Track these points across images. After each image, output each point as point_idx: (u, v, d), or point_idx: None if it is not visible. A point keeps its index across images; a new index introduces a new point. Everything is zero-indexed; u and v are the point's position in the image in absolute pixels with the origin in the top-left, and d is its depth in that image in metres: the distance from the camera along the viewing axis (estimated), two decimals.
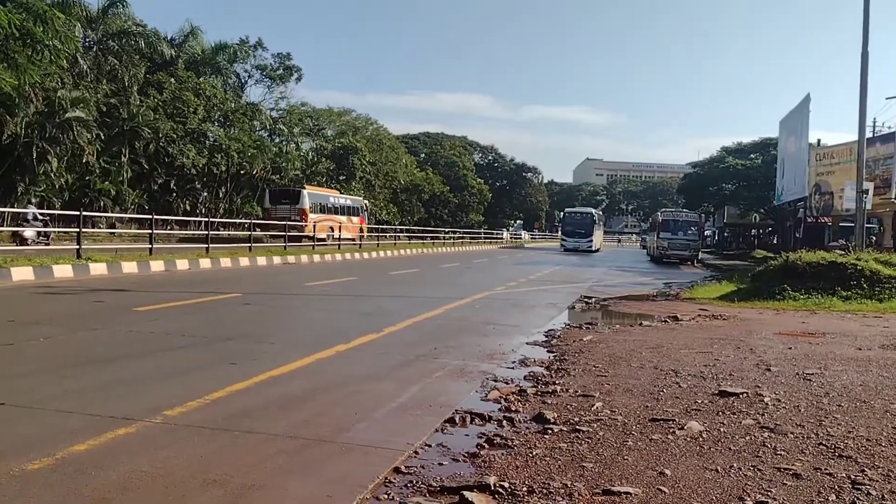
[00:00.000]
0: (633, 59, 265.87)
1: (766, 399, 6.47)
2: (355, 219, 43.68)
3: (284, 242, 29.62)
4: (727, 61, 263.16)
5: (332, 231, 37.77)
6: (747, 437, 5.32)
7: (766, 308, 14.97)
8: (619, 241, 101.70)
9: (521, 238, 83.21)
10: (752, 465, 4.70)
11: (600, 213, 76.37)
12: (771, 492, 4.25)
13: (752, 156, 58.56)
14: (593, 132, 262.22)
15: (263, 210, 39.67)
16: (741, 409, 6.13)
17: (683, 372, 7.68)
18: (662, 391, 6.76)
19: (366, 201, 49.96)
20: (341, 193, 45.68)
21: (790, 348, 9.40)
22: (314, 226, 34.82)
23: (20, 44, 24.09)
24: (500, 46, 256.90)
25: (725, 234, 76.66)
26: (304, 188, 39.60)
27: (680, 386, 7.01)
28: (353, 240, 39.15)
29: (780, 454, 4.95)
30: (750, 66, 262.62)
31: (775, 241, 55.85)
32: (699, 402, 6.39)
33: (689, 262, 40.24)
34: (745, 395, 6.62)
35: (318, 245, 32.60)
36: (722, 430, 5.51)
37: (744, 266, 32.51)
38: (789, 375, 7.60)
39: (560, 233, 58.84)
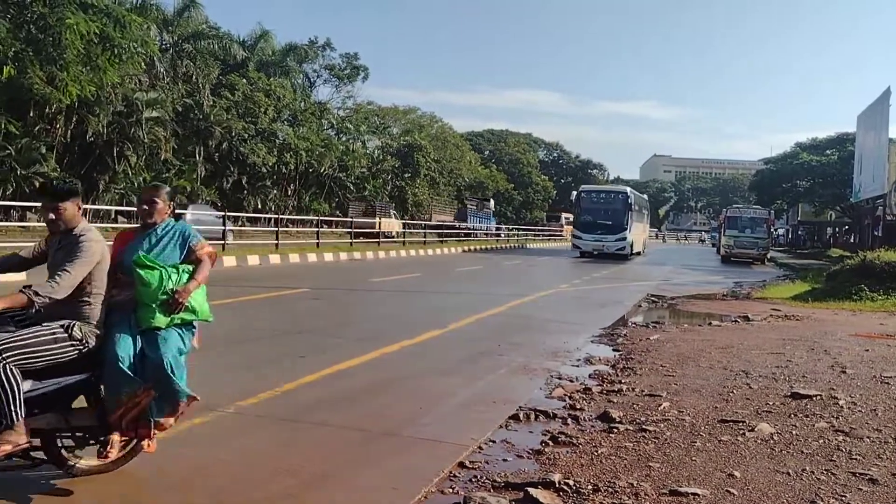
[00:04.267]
0: (705, 54, 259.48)
1: (840, 402, 6.28)
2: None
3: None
4: (803, 55, 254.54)
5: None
6: (821, 441, 5.18)
7: (842, 309, 14.46)
8: (686, 237, 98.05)
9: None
10: (825, 469, 4.58)
11: (642, 196, 48.95)
12: (845, 497, 4.14)
13: (827, 152, 56.45)
14: (661, 128, 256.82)
15: (541, 223, 68.67)
16: (814, 412, 5.97)
17: (754, 373, 7.50)
18: (732, 392, 6.63)
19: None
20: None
21: (867, 350, 9.07)
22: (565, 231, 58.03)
23: (100, 49, 25.09)
24: (569, 42, 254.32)
25: (799, 232, 74.28)
26: (562, 213, 65.44)
27: (750, 387, 6.86)
28: None
29: (856, 458, 4.81)
30: (827, 59, 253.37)
31: (852, 240, 53.78)
32: (770, 403, 6.24)
33: (758, 262, 37.67)
34: (818, 397, 6.43)
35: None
36: (794, 432, 5.38)
37: (818, 265, 31.40)
38: (866, 378, 7.34)
39: (574, 226, 37.79)
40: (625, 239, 34.03)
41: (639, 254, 39.02)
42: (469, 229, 48.49)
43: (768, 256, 39.93)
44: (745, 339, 9.94)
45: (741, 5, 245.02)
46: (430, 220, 45.44)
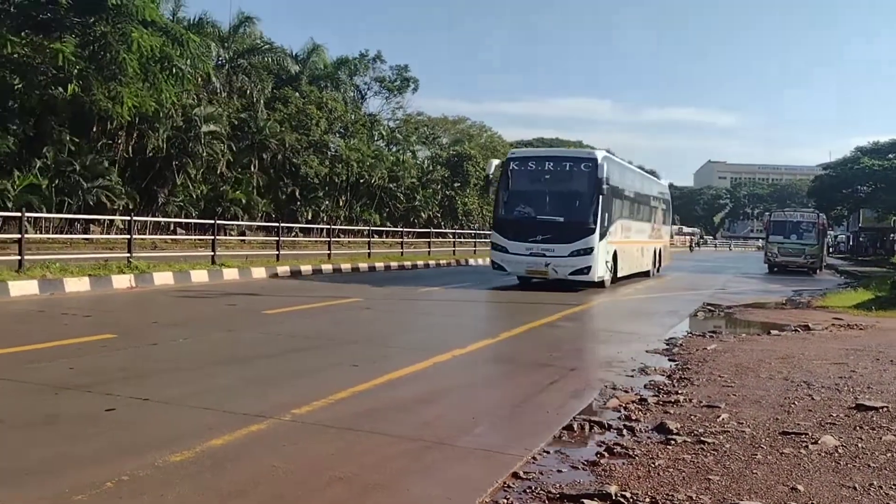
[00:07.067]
0: (761, 58, 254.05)
1: None
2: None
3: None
4: (863, 58, 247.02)
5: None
6: (888, 454, 5.00)
7: None
8: (729, 245, 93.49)
9: None
10: (893, 484, 4.41)
11: (648, 175, 31.35)
12: None
13: (889, 156, 54.61)
14: (716, 134, 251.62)
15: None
16: (881, 424, 5.76)
17: (816, 384, 7.29)
18: (794, 403, 6.45)
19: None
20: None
21: None
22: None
23: (160, 66, 25.83)
24: (623, 50, 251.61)
25: (861, 238, 71.98)
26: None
27: (813, 398, 6.66)
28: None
29: None
30: (888, 62, 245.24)
31: None
32: (834, 415, 6.05)
33: (810, 272, 33.21)
34: (885, 409, 6.20)
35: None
36: (860, 445, 5.20)
37: (882, 273, 30.35)
38: None
39: (494, 226, 19.29)
40: (590, 250, 17.51)
41: (648, 274, 24.28)
42: None
43: (822, 265, 35.70)
44: (807, 348, 9.67)
45: (797, 9, 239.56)
46: None
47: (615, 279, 19.65)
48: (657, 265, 26.29)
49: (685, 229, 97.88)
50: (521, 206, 18.48)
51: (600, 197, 17.64)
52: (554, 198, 18.29)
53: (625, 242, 20.79)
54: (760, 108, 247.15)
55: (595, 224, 17.62)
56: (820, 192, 61.48)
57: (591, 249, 17.54)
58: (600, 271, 17.97)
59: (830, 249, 54.00)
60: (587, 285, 17.92)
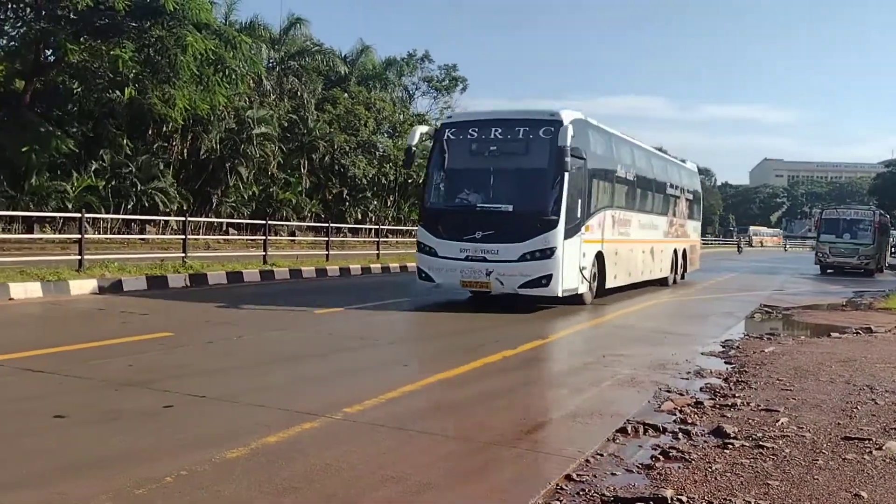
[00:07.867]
0: (821, 53, 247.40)
1: None
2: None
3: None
4: None
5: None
6: None
7: None
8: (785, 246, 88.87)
9: None
10: None
11: (655, 152, 20.62)
12: None
13: None
14: (773, 131, 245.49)
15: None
16: None
17: (880, 388, 7.05)
18: (856, 408, 6.25)
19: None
20: None
21: None
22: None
23: (212, 69, 26.35)
24: (677, 45, 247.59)
25: None
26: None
27: (876, 403, 6.45)
28: None
29: None
30: None
31: None
32: None
33: (865, 274, 30.54)
34: None
35: None
36: None
37: None
38: None
39: (421, 219, 14.44)
40: (550, 252, 12.43)
41: (666, 282, 19.54)
42: None
43: (882, 266, 33.20)
44: (869, 351, 9.37)
45: (851, 4, 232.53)
46: None
47: (604, 291, 14.92)
48: (679, 270, 20.75)
49: (765, 231, 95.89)
50: (457, 192, 13.46)
51: (566, 175, 12.38)
52: (500, 178, 13.21)
53: (619, 241, 15.75)
54: (819, 103, 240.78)
55: (558, 214, 12.46)
56: (882, 189, 59.86)
57: (552, 251, 12.42)
58: (569, 281, 12.95)
59: (893, 249, 52.16)
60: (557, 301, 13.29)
